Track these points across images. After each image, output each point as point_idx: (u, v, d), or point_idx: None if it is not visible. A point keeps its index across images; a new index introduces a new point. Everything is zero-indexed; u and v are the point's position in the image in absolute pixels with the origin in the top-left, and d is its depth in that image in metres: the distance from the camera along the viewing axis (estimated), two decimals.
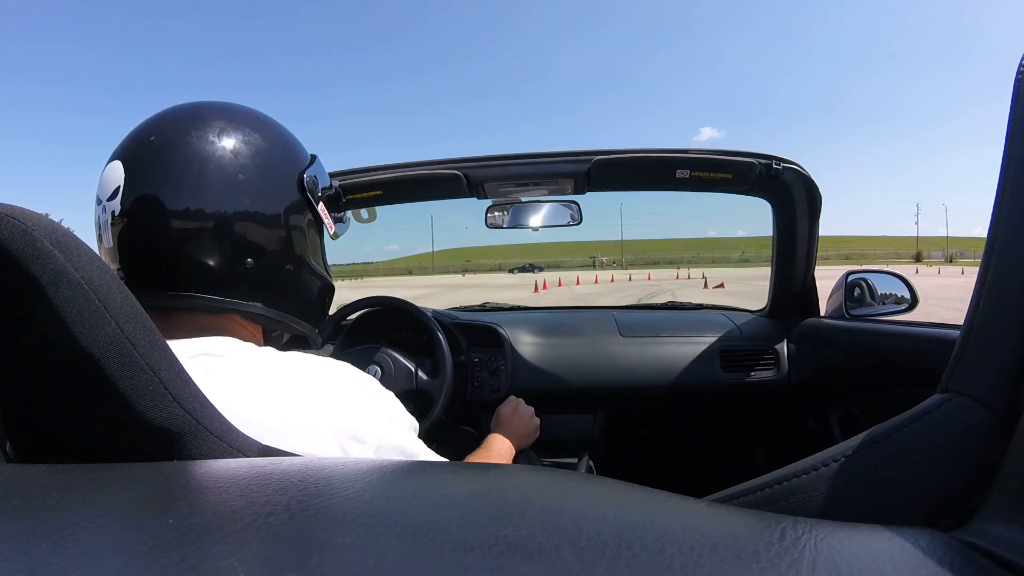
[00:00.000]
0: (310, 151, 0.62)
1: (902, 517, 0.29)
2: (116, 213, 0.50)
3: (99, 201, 0.52)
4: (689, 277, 32.24)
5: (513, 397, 1.16)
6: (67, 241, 0.33)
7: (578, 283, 27.45)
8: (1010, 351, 0.28)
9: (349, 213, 0.70)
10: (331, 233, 0.64)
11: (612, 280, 31.37)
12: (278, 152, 0.56)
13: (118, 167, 0.51)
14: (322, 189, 0.61)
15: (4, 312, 0.32)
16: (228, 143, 0.52)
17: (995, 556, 0.19)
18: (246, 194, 0.52)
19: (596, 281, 30.12)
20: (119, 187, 0.50)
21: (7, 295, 0.32)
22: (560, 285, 25.01)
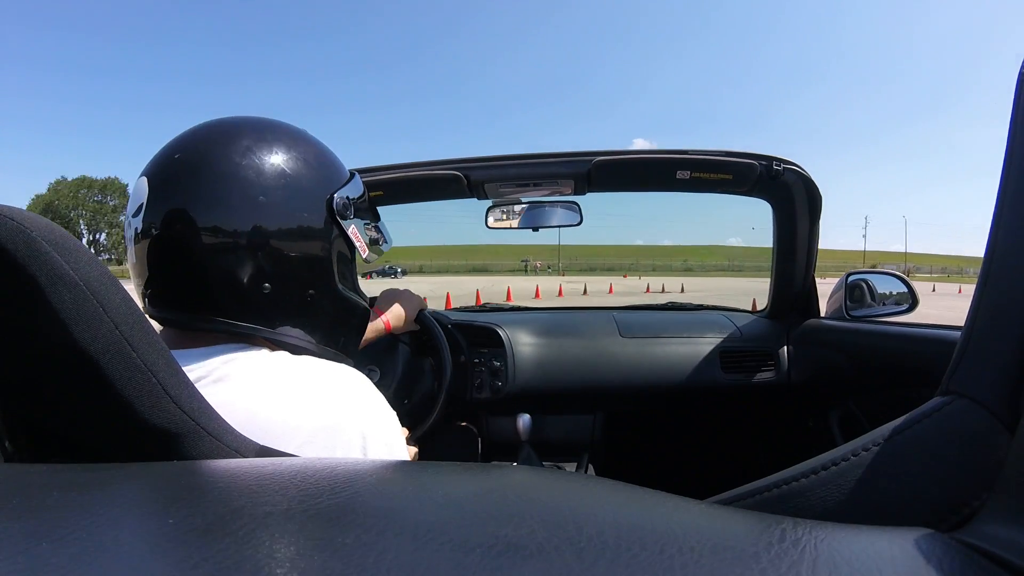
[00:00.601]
0: None
1: (903, 519, 0.29)
2: (139, 230, 0.50)
3: (127, 216, 0.52)
4: (663, 290, 25.02)
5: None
6: (65, 242, 0.33)
7: (508, 298, 15.40)
8: (1011, 353, 0.28)
9: (387, 234, 0.67)
10: (363, 256, 0.61)
11: (560, 294, 21.69)
12: (308, 173, 0.54)
13: (144, 184, 0.50)
14: (356, 208, 0.58)
15: (3, 313, 0.32)
16: (253, 162, 0.50)
17: (995, 557, 0.19)
18: (267, 217, 0.50)
19: (537, 295, 20.07)
20: (143, 204, 0.49)
21: (5, 296, 0.32)
22: (479, 301, 8.49)
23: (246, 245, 0.50)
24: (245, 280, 0.50)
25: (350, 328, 0.62)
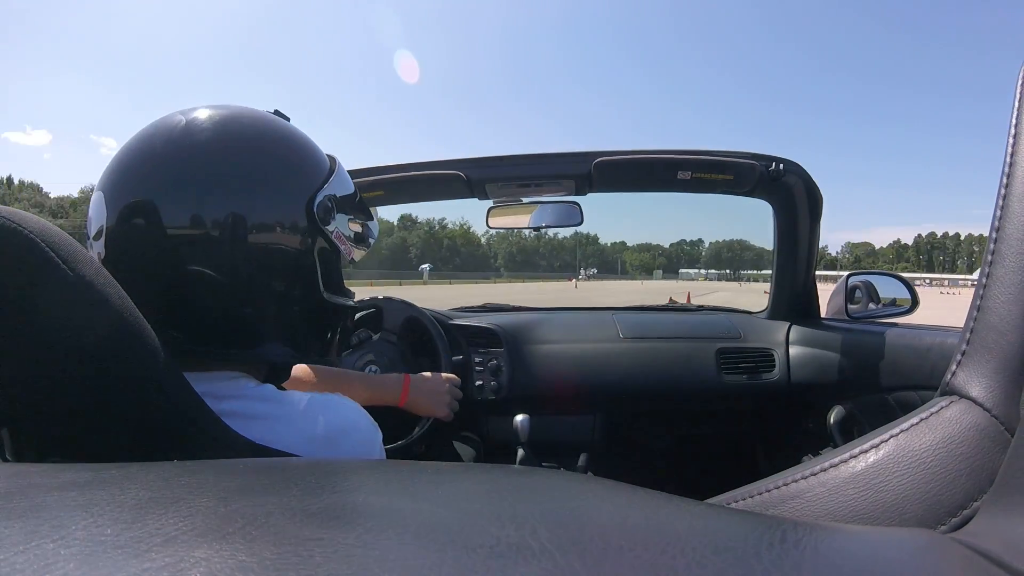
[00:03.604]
0: None
1: (903, 520, 0.29)
2: (102, 256, 0.44)
3: (87, 237, 0.46)
4: None
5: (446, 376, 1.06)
6: (62, 242, 0.33)
7: None
8: (1010, 355, 0.28)
9: (373, 227, 0.60)
10: (350, 259, 0.55)
11: None
12: (285, 172, 0.48)
13: (100, 201, 0.44)
14: (340, 205, 0.51)
15: (1, 313, 0.32)
16: (221, 167, 0.45)
17: (994, 558, 0.19)
18: (242, 228, 0.45)
19: None
20: (102, 227, 0.44)
21: (3, 296, 0.32)
22: None
23: (219, 262, 0.44)
24: (214, 301, 0.45)
25: (335, 330, 0.57)
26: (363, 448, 0.49)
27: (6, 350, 0.33)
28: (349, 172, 0.55)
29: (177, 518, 0.18)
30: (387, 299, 1.28)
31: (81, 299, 0.32)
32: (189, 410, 0.36)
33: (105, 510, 0.19)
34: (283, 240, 0.47)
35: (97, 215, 0.45)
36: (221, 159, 0.45)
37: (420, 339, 1.32)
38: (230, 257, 0.45)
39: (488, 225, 1.39)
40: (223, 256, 0.45)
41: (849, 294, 1.30)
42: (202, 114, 0.47)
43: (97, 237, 0.45)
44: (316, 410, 0.47)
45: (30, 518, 0.18)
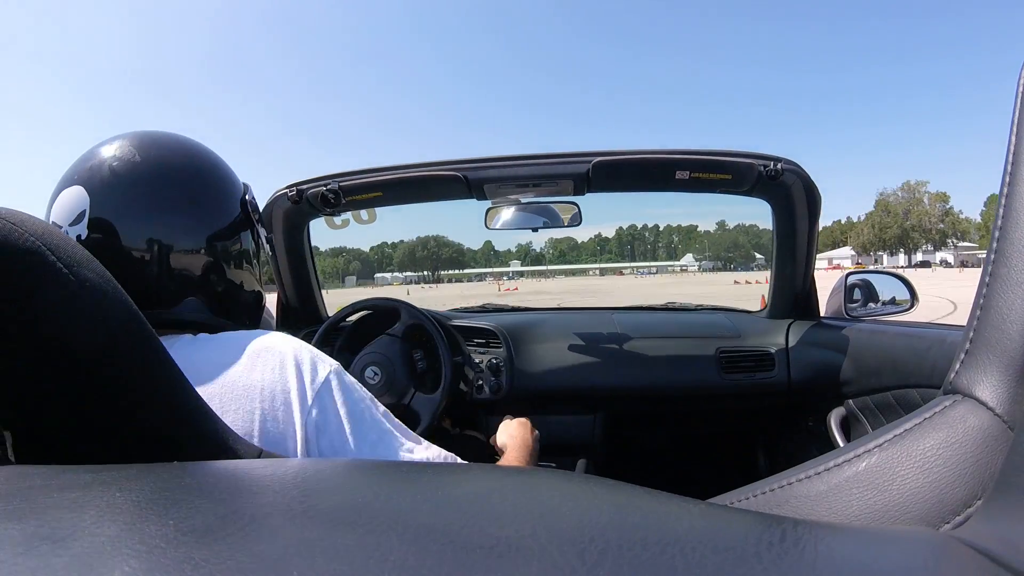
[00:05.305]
0: None
1: (903, 519, 0.29)
2: (83, 237, 0.53)
3: (58, 226, 0.54)
4: None
5: (520, 420, 1.04)
6: (60, 242, 0.33)
7: None
8: (1014, 353, 0.28)
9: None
10: (268, 253, 0.69)
11: None
12: (229, 177, 0.63)
13: (80, 192, 0.54)
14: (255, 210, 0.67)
15: (0, 315, 0.32)
16: (184, 173, 0.57)
17: (995, 557, 0.19)
18: (201, 217, 0.58)
19: None
20: (84, 211, 0.53)
21: (3, 299, 0.31)
22: None
23: (192, 246, 0.57)
24: (185, 276, 0.57)
25: (260, 312, 0.70)
26: (284, 369, 0.52)
27: (6, 353, 0.33)
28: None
29: (177, 519, 0.18)
30: (387, 300, 1.28)
31: (80, 301, 0.32)
32: (190, 412, 0.36)
33: (105, 511, 0.19)
34: (230, 230, 0.61)
35: (76, 203, 0.53)
36: (204, 174, 0.59)
37: (420, 339, 1.32)
38: (195, 246, 0.57)
39: (487, 226, 1.39)
40: (195, 245, 0.57)
41: (848, 293, 1.30)
42: (168, 136, 0.60)
43: (76, 222, 0.53)
44: (242, 340, 0.54)
45: (30, 520, 0.18)
